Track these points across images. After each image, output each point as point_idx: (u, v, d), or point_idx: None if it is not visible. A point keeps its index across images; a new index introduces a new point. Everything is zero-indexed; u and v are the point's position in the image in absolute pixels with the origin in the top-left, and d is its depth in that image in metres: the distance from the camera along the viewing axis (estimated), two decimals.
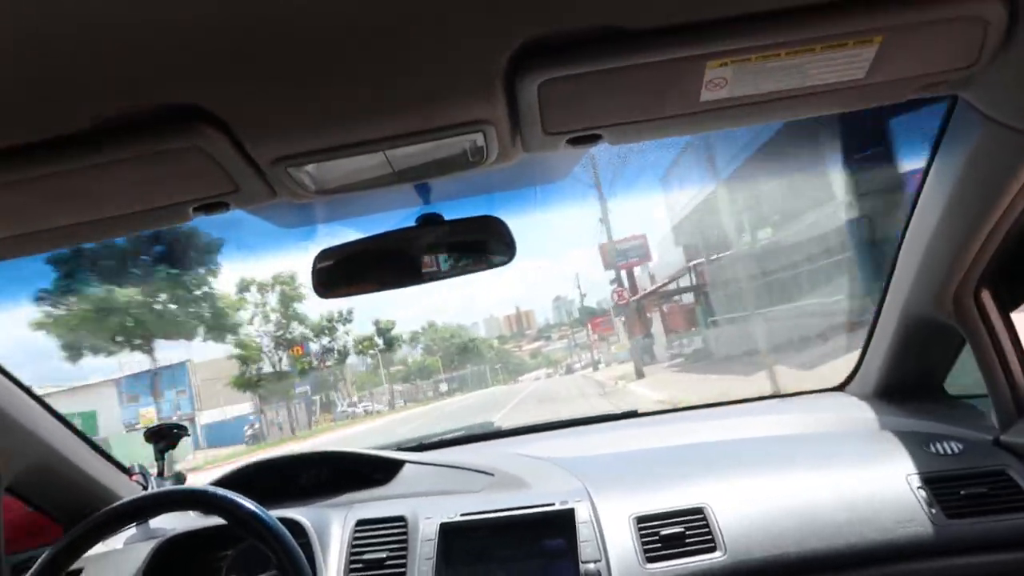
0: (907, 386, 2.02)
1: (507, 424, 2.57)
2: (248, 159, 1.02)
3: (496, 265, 1.48)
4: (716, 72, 0.98)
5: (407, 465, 2.00)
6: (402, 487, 1.93)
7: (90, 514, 1.35)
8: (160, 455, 2.00)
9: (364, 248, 1.46)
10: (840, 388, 2.28)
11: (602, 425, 2.40)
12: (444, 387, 49.13)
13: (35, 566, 1.28)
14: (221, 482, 2.00)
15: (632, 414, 2.43)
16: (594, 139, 1.13)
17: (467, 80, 0.94)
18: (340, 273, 1.47)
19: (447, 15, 0.82)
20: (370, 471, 2.01)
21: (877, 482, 1.60)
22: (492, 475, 1.88)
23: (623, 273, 28.22)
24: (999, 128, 1.23)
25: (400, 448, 2.27)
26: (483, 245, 1.45)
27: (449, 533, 1.63)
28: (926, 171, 1.52)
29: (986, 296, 1.65)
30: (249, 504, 1.32)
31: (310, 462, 2.09)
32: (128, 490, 1.96)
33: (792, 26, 0.91)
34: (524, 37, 0.87)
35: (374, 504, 1.82)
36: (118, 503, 1.38)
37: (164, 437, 2.01)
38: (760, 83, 1.02)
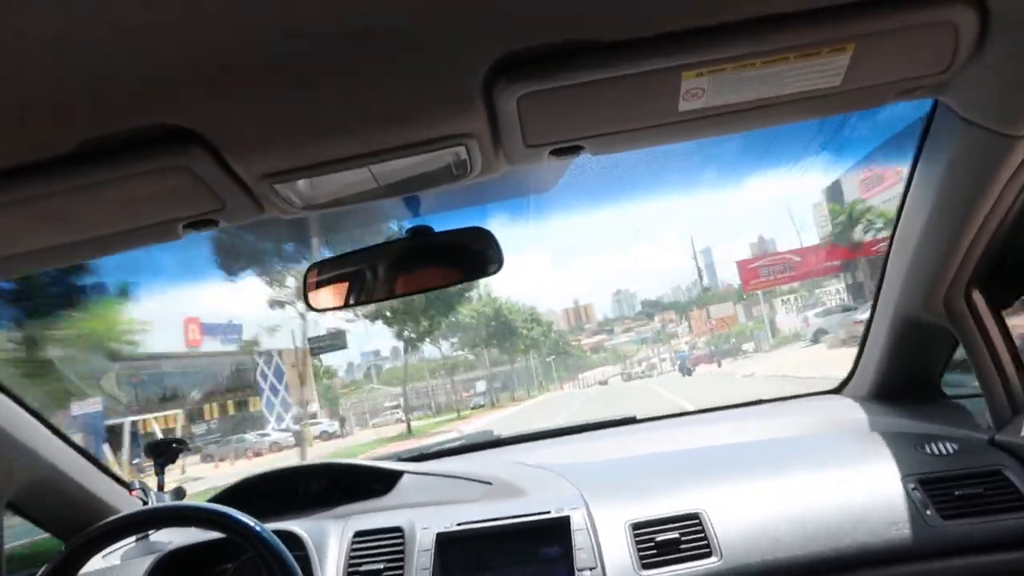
0: (903, 387, 2.02)
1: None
2: (234, 177, 1.04)
3: (485, 275, 1.49)
4: (692, 82, 0.99)
5: (405, 475, 2.00)
6: (400, 497, 1.94)
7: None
8: (160, 469, 2.02)
9: (354, 261, 1.47)
10: (837, 391, 2.28)
11: (600, 432, 2.40)
12: (481, 386, 34.27)
13: None
14: (220, 497, 2.01)
15: (631, 420, 2.43)
16: (576, 150, 1.15)
17: (447, 95, 0.96)
18: (330, 287, 1.48)
19: (424, 33, 0.83)
20: (368, 482, 2.02)
21: (872, 484, 1.59)
22: (490, 484, 1.88)
23: None
24: (978, 130, 1.23)
25: (399, 458, 2.28)
26: (471, 256, 1.46)
27: (446, 543, 1.64)
28: (910, 175, 1.53)
29: (977, 296, 1.65)
30: (245, 518, 1.33)
31: (309, 474, 2.10)
32: (128, 505, 1.97)
33: (765, 35, 0.92)
34: (500, 52, 0.89)
35: (372, 515, 1.83)
36: (116, 517, 1.39)
37: (163, 452, 2.02)
38: (737, 92, 1.03)
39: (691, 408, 2.56)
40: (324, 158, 1.05)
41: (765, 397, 2.45)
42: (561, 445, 2.32)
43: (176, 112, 0.90)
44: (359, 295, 1.50)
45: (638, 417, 2.45)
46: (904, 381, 2.01)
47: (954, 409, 1.93)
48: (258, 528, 1.30)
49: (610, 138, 1.13)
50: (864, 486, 1.60)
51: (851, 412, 2.05)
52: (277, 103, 0.92)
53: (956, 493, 1.54)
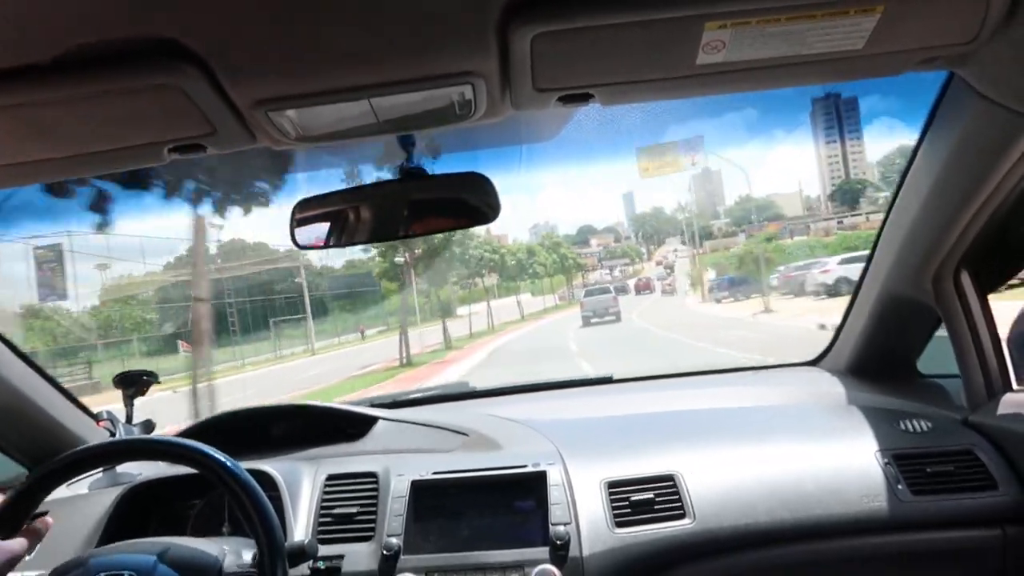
0: (881, 363, 2.04)
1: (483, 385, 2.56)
2: (227, 100, 0.98)
3: (479, 223, 1.45)
4: (714, 34, 0.95)
5: (380, 421, 1.99)
6: (374, 443, 1.92)
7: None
8: (129, 401, 1.97)
9: (343, 200, 1.42)
10: (813, 363, 2.30)
11: (577, 390, 2.41)
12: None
13: None
14: (190, 432, 1.98)
15: (607, 380, 2.43)
16: (585, 98, 1.11)
17: (459, 29, 0.91)
18: (317, 224, 1.44)
19: None
20: (342, 426, 2.00)
21: (846, 457, 1.62)
22: (466, 435, 1.88)
23: None
24: (994, 107, 1.22)
25: (373, 404, 2.26)
26: (466, 202, 1.42)
27: (420, 491, 1.63)
28: (916, 149, 1.51)
29: (965, 278, 1.66)
30: (220, 455, 1.30)
31: (281, 414, 2.07)
32: (96, 435, 1.93)
33: None
34: None
35: (345, 459, 1.82)
36: (89, 445, 1.35)
37: (133, 383, 1.97)
38: (758, 48, 0.99)
39: None
40: (324, 87, 0.99)
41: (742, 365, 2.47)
42: (537, 401, 2.32)
43: (171, 25, 0.84)
44: (346, 235, 1.46)
45: (614, 377, 2.46)
46: (883, 357, 2.03)
47: (929, 388, 1.96)
48: (232, 466, 1.28)
49: (622, 88, 1.09)
50: (839, 458, 1.62)
51: (828, 385, 2.07)
52: (280, 25, 0.86)
53: (928, 470, 1.56)
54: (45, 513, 1.50)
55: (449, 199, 1.43)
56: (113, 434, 1.94)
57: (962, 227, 1.52)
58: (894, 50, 1.04)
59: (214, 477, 1.29)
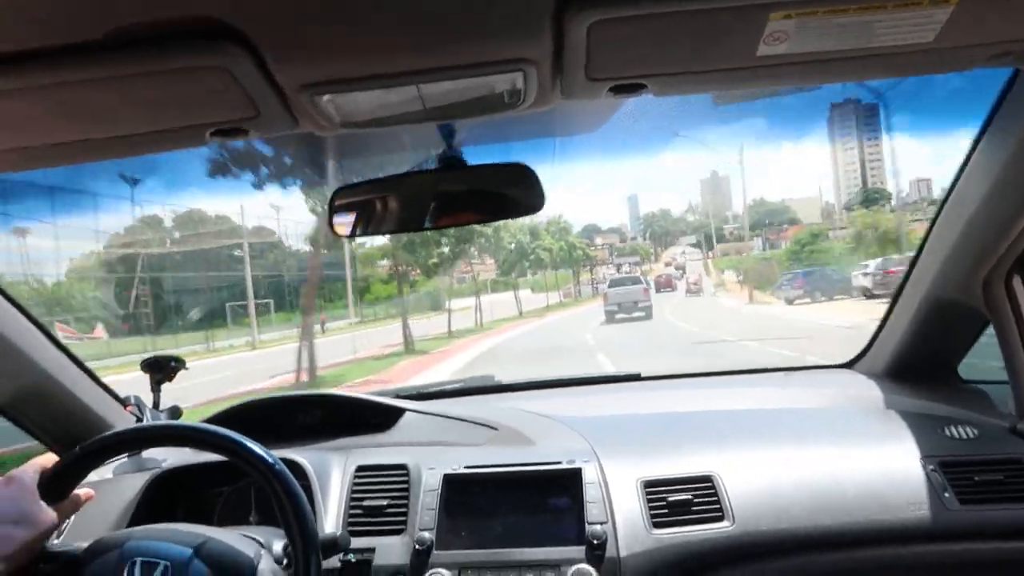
0: (921, 367, 1.99)
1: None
2: (273, 83, 0.96)
3: (521, 215, 1.42)
4: (778, 24, 0.91)
5: (407, 413, 1.96)
6: (402, 435, 1.90)
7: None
8: (156, 387, 1.97)
9: (383, 188, 1.40)
10: (848, 365, 2.25)
11: (605, 386, 2.38)
12: None
13: None
14: (216, 419, 1.97)
15: (635, 377, 2.40)
16: (637, 88, 1.07)
17: (515, 15, 0.88)
18: (357, 213, 1.41)
19: None
20: (368, 416, 1.98)
21: (890, 462, 1.57)
22: (495, 429, 1.85)
23: None
24: None
25: (398, 395, 2.24)
26: (508, 193, 1.39)
27: (452, 484, 1.61)
28: (973, 147, 1.46)
29: (1017, 282, 1.61)
30: (254, 445, 1.28)
31: (307, 403, 2.06)
32: (122, 420, 1.92)
33: None
34: None
35: (374, 450, 1.80)
36: (123, 429, 1.34)
37: (161, 369, 1.97)
38: (823, 40, 0.95)
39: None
40: (373, 71, 0.96)
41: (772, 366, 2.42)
42: (564, 396, 2.29)
43: (220, 6, 0.81)
44: (384, 224, 1.44)
45: (642, 375, 2.42)
46: (923, 361, 1.98)
47: (973, 394, 1.91)
48: (268, 456, 1.25)
49: (677, 78, 1.05)
50: (882, 463, 1.57)
51: (865, 388, 2.02)
52: (330, 8, 0.83)
53: (976, 478, 1.52)
54: None
55: (491, 190, 1.40)
56: (140, 419, 1.94)
57: (1018, 231, 1.47)
58: (965, 44, 0.99)
59: (248, 466, 1.27)
